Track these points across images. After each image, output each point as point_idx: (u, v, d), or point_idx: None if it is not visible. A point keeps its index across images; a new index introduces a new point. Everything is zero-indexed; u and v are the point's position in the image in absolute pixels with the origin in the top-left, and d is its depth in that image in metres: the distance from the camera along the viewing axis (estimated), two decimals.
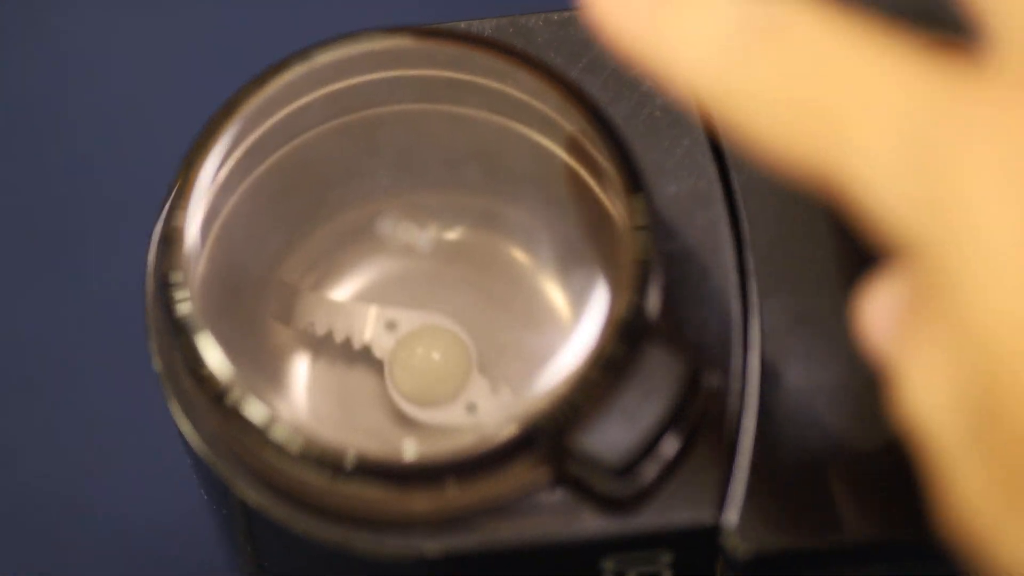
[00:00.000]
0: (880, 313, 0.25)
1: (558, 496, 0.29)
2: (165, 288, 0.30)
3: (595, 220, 0.32)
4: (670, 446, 0.29)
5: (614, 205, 0.31)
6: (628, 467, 0.29)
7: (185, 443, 0.31)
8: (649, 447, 0.28)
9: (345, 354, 0.33)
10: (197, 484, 0.33)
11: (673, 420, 0.29)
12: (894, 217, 0.23)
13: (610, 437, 0.29)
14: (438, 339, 0.33)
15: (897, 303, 0.24)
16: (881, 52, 0.24)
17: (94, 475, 0.46)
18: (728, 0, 0.25)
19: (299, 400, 0.33)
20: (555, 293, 0.33)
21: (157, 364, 0.31)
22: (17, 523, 0.46)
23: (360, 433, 0.32)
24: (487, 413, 0.32)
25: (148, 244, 0.32)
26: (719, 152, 0.32)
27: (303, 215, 0.33)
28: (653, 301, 0.30)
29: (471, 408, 0.32)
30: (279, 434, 0.29)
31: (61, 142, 0.49)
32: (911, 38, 0.24)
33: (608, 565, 0.30)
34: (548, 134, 0.32)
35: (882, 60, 0.24)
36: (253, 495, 0.30)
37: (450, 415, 0.32)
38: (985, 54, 0.24)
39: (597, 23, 0.26)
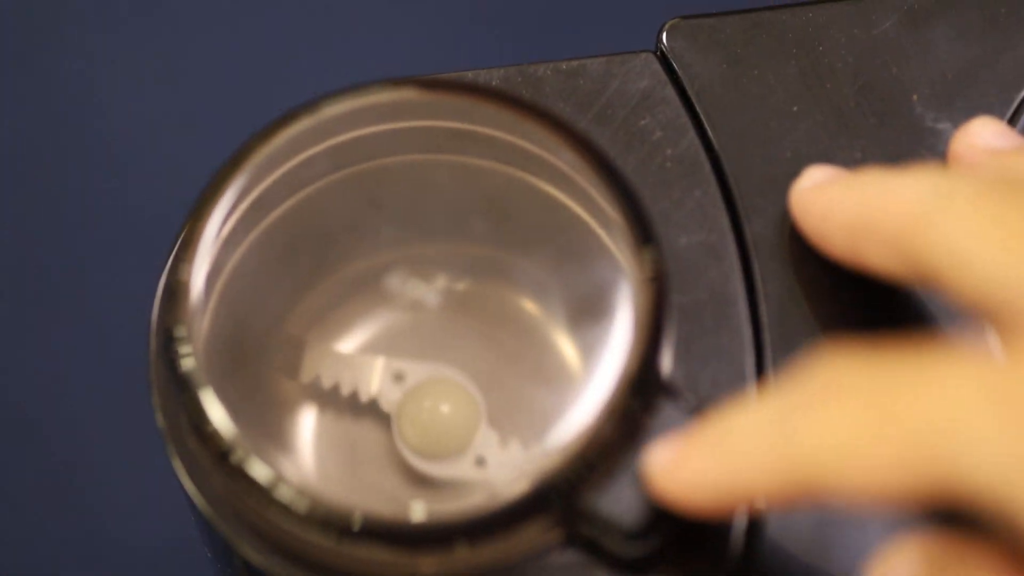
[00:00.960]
0: None
1: (569, 557, 0.29)
2: (169, 343, 0.30)
3: (606, 272, 0.31)
4: None
5: (625, 257, 0.31)
6: (643, 530, 0.28)
7: (189, 501, 0.30)
8: (664, 510, 0.28)
9: (352, 408, 0.33)
10: (200, 542, 0.33)
11: None
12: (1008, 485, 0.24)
13: (624, 498, 0.28)
14: (446, 391, 0.32)
15: (915, 569, 0.26)
16: (928, 368, 0.25)
17: (100, 529, 0.46)
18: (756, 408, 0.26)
19: (305, 456, 0.32)
20: (566, 346, 0.33)
21: (160, 420, 0.30)
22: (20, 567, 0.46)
23: (367, 489, 0.32)
24: (497, 468, 0.32)
25: (152, 297, 0.32)
26: (731, 203, 0.31)
27: (309, 268, 0.33)
28: (666, 355, 0.29)
29: (480, 462, 0.32)
30: (284, 495, 0.28)
31: (66, 193, 0.49)
32: (932, 345, 0.26)
33: None
34: (557, 185, 0.32)
35: (937, 373, 0.25)
36: (257, 555, 0.29)
37: (459, 469, 0.32)
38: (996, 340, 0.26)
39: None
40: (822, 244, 0.30)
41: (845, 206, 0.29)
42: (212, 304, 0.31)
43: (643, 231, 0.30)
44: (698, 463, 0.27)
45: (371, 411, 0.33)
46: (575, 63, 0.32)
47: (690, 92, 0.32)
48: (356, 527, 0.28)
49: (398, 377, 0.32)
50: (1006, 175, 0.27)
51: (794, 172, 0.31)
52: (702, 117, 0.32)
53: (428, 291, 0.33)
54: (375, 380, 0.32)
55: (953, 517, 0.28)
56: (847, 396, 0.25)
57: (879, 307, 0.30)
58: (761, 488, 0.26)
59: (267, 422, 0.32)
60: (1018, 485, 0.24)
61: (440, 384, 0.32)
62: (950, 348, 0.25)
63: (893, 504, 0.25)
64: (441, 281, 0.33)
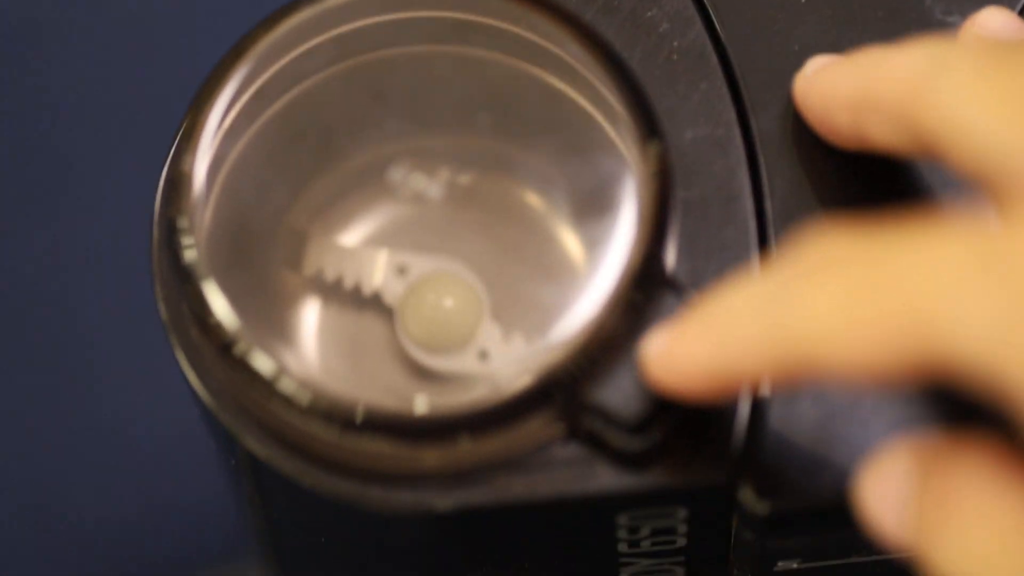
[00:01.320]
0: (888, 497, 0.25)
1: (572, 451, 0.29)
2: (171, 233, 0.30)
3: (610, 166, 0.31)
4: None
5: (629, 151, 0.30)
6: (644, 423, 0.28)
7: (192, 393, 0.30)
8: (666, 402, 0.28)
9: (355, 302, 0.32)
10: (206, 433, 0.33)
11: None
12: (994, 358, 0.24)
13: (626, 392, 0.28)
14: (449, 285, 0.32)
15: (907, 482, 0.25)
16: (918, 238, 0.25)
17: (103, 416, 0.46)
18: (748, 284, 0.26)
19: (308, 350, 0.32)
20: (569, 240, 0.32)
21: (163, 312, 0.30)
22: (23, 465, 0.46)
23: (370, 382, 0.32)
24: (499, 361, 0.32)
25: (155, 187, 0.31)
26: (738, 97, 0.31)
27: (311, 160, 0.33)
28: (670, 249, 0.29)
29: (483, 356, 0.32)
30: (287, 387, 0.28)
31: (67, 85, 0.48)
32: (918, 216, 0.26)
33: (622, 520, 0.29)
34: (562, 77, 0.31)
35: (927, 243, 0.25)
36: (260, 447, 0.29)
37: (461, 363, 0.32)
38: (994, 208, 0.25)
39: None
40: (826, 126, 0.30)
41: (847, 83, 0.29)
42: (214, 196, 0.31)
43: (648, 124, 0.30)
44: (691, 346, 0.27)
45: (374, 304, 0.32)
46: None
47: None
48: (358, 419, 0.28)
49: (401, 270, 0.32)
50: (1007, 47, 0.27)
51: (802, 66, 0.31)
52: (709, 9, 0.32)
53: (431, 184, 0.33)
54: (378, 273, 0.32)
55: (956, 416, 0.28)
56: (836, 270, 0.25)
57: (887, 201, 0.30)
58: (754, 366, 0.26)
59: (270, 315, 0.32)
60: (1006, 349, 0.24)
61: (443, 277, 0.32)
62: (942, 219, 0.25)
63: (886, 380, 0.25)
64: (444, 174, 0.33)
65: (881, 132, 0.28)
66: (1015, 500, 0.24)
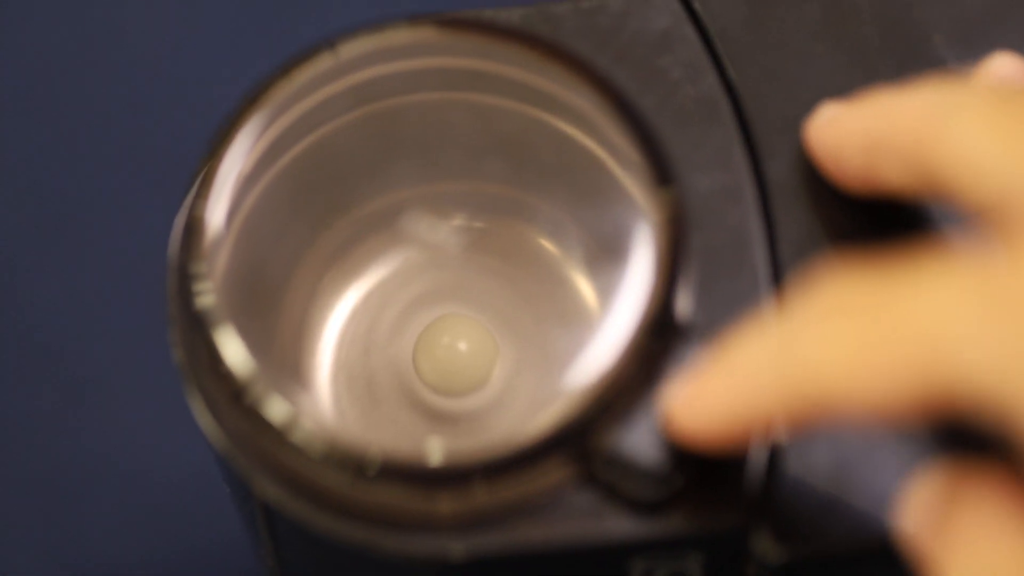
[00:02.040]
0: (920, 507, 0.26)
1: (587, 497, 0.29)
2: (186, 279, 0.30)
3: (624, 213, 0.31)
4: None
5: (643, 198, 0.30)
6: (659, 471, 0.28)
7: (206, 437, 0.30)
8: (683, 452, 0.28)
9: (368, 344, 0.33)
10: (221, 478, 0.33)
11: None
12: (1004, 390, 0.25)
13: (643, 441, 0.28)
14: (463, 328, 0.32)
15: (935, 497, 0.26)
16: (924, 276, 0.25)
17: (121, 451, 0.46)
18: (757, 339, 0.27)
19: (322, 393, 0.32)
20: (583, 286, 0.33)
21: (178, 355, 0.30)
22: (39, 496, 0.46)
23: (384, 426, 0.32)
24: (514, 406, 0.32)
25: (171, 233, 0.32)
26: (751, 145, 0.31)
27: (326, 207, 0.33)
28: (685, 297, 0.29)
29: (497, 400, 0.32)
30: (300, 435, 0.28)
31: (85, 132, 0.49)
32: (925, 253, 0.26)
33: (637, 565, 0.29)
34: (576, 124, 0.32)
35: (932, 279, 0.25)
36: (274, 493, 0.29)
37: (475, 407, 0.32)
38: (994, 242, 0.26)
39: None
40: (838, 170, 0.30)
41: (858, 125, 0.30)
42: (230, 241, 0.31)
43: (661, 172, 0.30)
44: (712, 394, 0.27)
45: (388, 349, 0.33)
46: (595, 1, 0.32)
47: (710, 31, 0.32)
48: (372, 468, 0.28)
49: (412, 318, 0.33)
50: (1016, 89, 0.28)
51: (813, 112, 0.31)
52: (722, 57, 0.32)
53: (445, 230, 0.33)
54: (389, 320, 0.32)
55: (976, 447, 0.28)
56: (848, 312, 0.26)
57: (897, 248, 0.30)
58: (772, 410, 0.26)
59: (284, 360, 0.32)
60: (1010, 380, 0.24)
61: (457, 320, 0.32)
62: (947, 256, 0.26)
63: (900, 417, 0.25)
64: (458, 220, 0.33)
65: (892, 173, 0.29)
66: (1013, 528, 0.25)
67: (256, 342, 0.30)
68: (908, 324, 0.25)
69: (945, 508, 0.26)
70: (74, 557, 0.45)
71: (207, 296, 0.30)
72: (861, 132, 0.29)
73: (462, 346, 0.32)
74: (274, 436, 0.29)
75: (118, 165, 0.48)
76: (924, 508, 0.26)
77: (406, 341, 0.33)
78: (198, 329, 0.29)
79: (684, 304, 0.29)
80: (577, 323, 0.32)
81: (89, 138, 0.48)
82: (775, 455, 0.29)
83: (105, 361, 0.47)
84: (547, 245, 0.33)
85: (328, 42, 0.31)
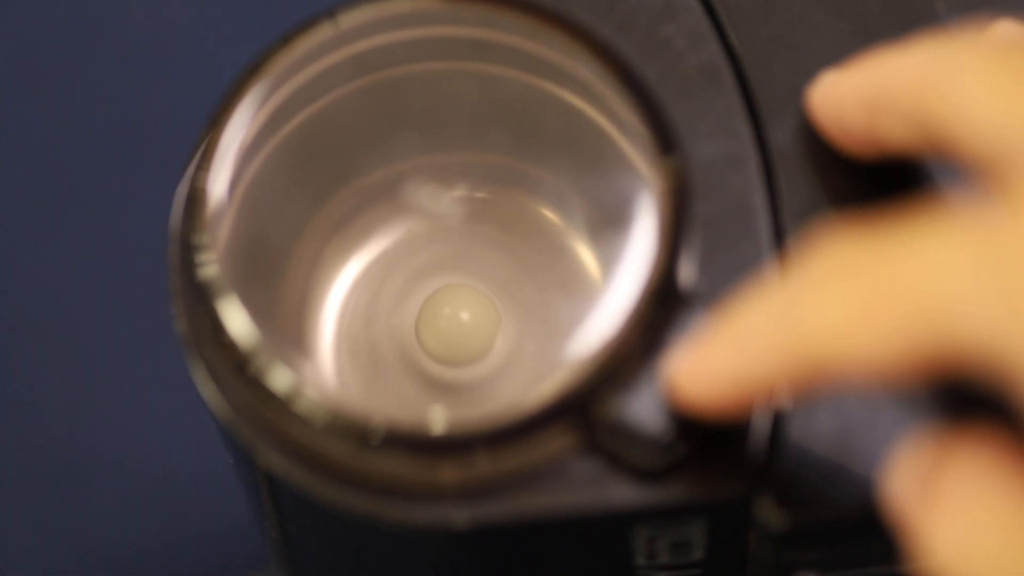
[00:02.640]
0: (906, 473, 0.26)
1: (590, 466, 0.29)
2: (189, 251, 0.30)
3: (627, 182, 0.31)
4: None
5: (646, 167, 0.30)
6: (663, 439, 0.28)
7: (210, 408, 0.30)
8: (687, 418, 0.28)
9: (370, 314, 0.33)
10: (224, 447, 0.33)
11: None
12: (1001, 349, 0.25)
13: (646, 409, 0.28)
14: (465, 298, 0.32)
15: (921, 469, 0.26)
16: (923, 234, 0.25)
17: (124, 430, 0.46)
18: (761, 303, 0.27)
19: (325, 363, 0.32)
20: (586, 255, 0.32)
21: (181, 327, 0.30)
22: (42, 477, 0.46)
23: (387, 395, 0.32)
24: (517, 376, 0.32)
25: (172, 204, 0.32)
26: (754, 113, 0.31)
27: (328, 177, 0.33)
28: (688, 265, 0.29)
29: (499, 370, 0.32)
30: (303, 405, 0.29)
31: (87, 104, 0.48)
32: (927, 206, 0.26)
33: (640, 533, 0.29)
34: (578, 94, 0.31)
35: (931, 237, 0.25)
36: (278, 463, 0.29)
37: (478, 377, 0.32)
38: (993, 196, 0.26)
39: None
40: (840, 131, 0.30)
41: (859, 84, 0.30)
42: (232, 212, 0.31)
43: (665, 141, 0.30)
44: (715, 360, 0.27)
45: (390, 319, 0.33)
46: None
47: (713, 0, 0.32)
48: (376, 437, 0.28)
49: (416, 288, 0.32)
50: (1016, 44, 0.27)
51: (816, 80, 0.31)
52: (725, 25, 0.32)
53: (447, 200, 0.33)
54: (391, 291, 0.32)
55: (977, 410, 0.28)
56: (848, 273, 0.26)
57: (901, 212, 0.30)
58: (776, 374, 0.26)
59: (287, 330, 0.32)
60: (1010, 334, 0.24)
61: (459, 291, 0.32)
62: (946, 212, 0.26)
63: (902, 376, 0.25)
64: (461, 190, 0.33)
65: (895, 131, 0.29)
66: (1007, 487, 0.25)
67: (259, 313, 0.30)
68: (906, 282, 0.25)
69: (931, 472, 0.26)
70: (76, 543, 0.45)
71: (210, 267, 0.29)
72: (863, 91, 0.29)
73: (464, 316, 0.32)
74: (278, 406, 0.29)
75: (118, 139, 0.48)
76: (910, 474, 0.26)
77: (409, 311, 0.33)
78: (201, 300, 0.29)
79: (687, 272, 0.29)
80: (580, 293, 0.32)
81: (89, 113, 0.48)
82: (778, 422, 0.29)
83: (109, 333, 0.47)
84: (550, 215, 0.33)
85: (328, 12, 0.31)
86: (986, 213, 0.25)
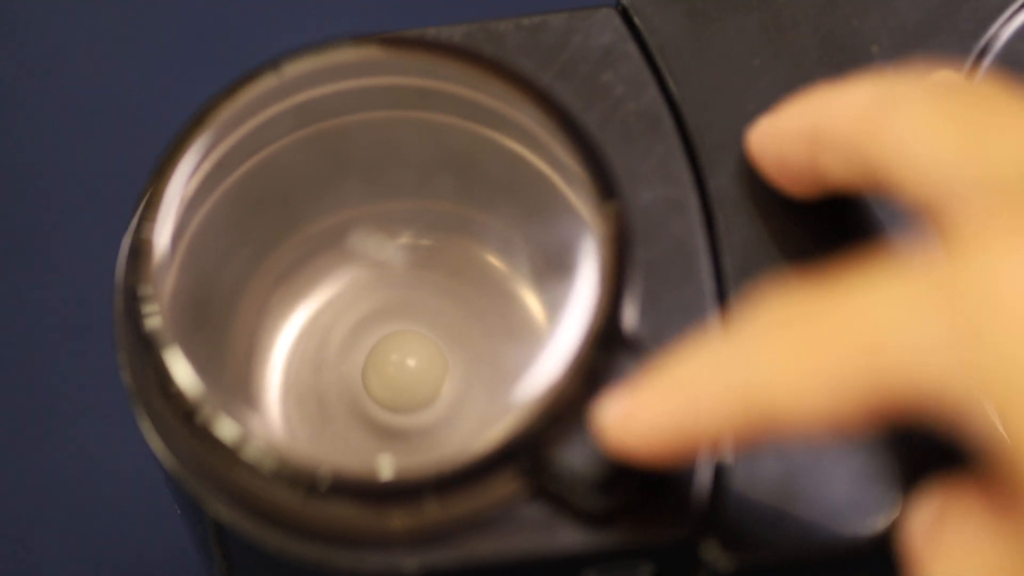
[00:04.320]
0: (916, 525, 0.26)
1: (537, 510, 0.29)
2: (133, 302, 0.30)
3: (570, 228, 0.31)
4: None
5: (588, 212, 0.31)
6: (608, 482, 0.28)
7: (157, 459, 0.30)
8: (631, 465, 0.28)
9: (318, 362, 0.33)
10: (171, 498, 0.33)
11: None
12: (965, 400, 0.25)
13: (589, 452, 0.28)
14: (412, 344, 0.32)
15: (929, 516, 0.26)
16: (865, 282, 0.25)
17: (68, 484, 0.46)
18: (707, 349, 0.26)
19: (273, 414, 0.32)
20: (531, 301, 0.33)
21: (127, 379, 0.30)
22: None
23: (336, 444, 0.32)
24: (463, 422, 0.32)
25: (117, 255, 0.32)
26: (694, 158, 0.32)
27: (273, 226, 0.33)
28: (630, 309, 0.30)
29: (447, 416, 0.32)
30: (251, 453, 0.29)
31: (29, 155, 0.48)
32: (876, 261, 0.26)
33: None
34: (521, 141, 0.32)
35: (873, 285, 0.25)
36: (226, 513, 0.29)
37: (426, 423, 0.32)
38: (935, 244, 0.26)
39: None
40: (782, 172, 0.30)
41: (799, 120, 0.29)
42: (177, 263, 0.31)
43: (606, 186, 0.30)
44: (651, 409, 0.27)
45: (337, 366, 0.33)
46: (537, 19, 0.32)
47: (652, 47, 0.32)
48: (324, 485, 0.28)
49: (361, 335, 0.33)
50: (953, 84, 0.28)
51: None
52: (664, 72, 0.32)
53: (393, 248, 0.33)
54: (338, 338, 0.32)
55: (917, 466, 0.28)
56: (792, 322, 0.25)
57: (843, 253, 0.30)
58: (716, 426, 0.26)
59: (234, 380, 0.32)
60: (953, 373, 0.24)
61: (406, 337, 0.32)
62: (887, 258, 0.26)
63: (848, 424, 0.25)
64: (406, 238, 0.33)
65: (835, 168, 0.28)
66: (987, 535, 0.25)
67: (205, 363, 0.30)
68: (847, 329, 0.25)
69: (937, 520, 0.26)
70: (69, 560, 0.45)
71: (155, 318, 0.30)
72: (802, 126, 0.29)
73: (411, 362, 0.32)
74: (225, 455, 0.29)
75: (62, 190, 0.48)
76: (920, 521, 0.26)
77: (356, 359, 0.33)
78: (146, 351, 0.29)
79: (630, 316, 0.30)
80: (525, 337, 0.32)
81: (32, 163, 0.48)
82: (722, 466, 0.29)
83: (54, 384, 0.46)
84: (495, 261, 0.33)
85: (272, 62, 0.31)
86: (929, 256, 0.25)
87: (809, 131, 0.29)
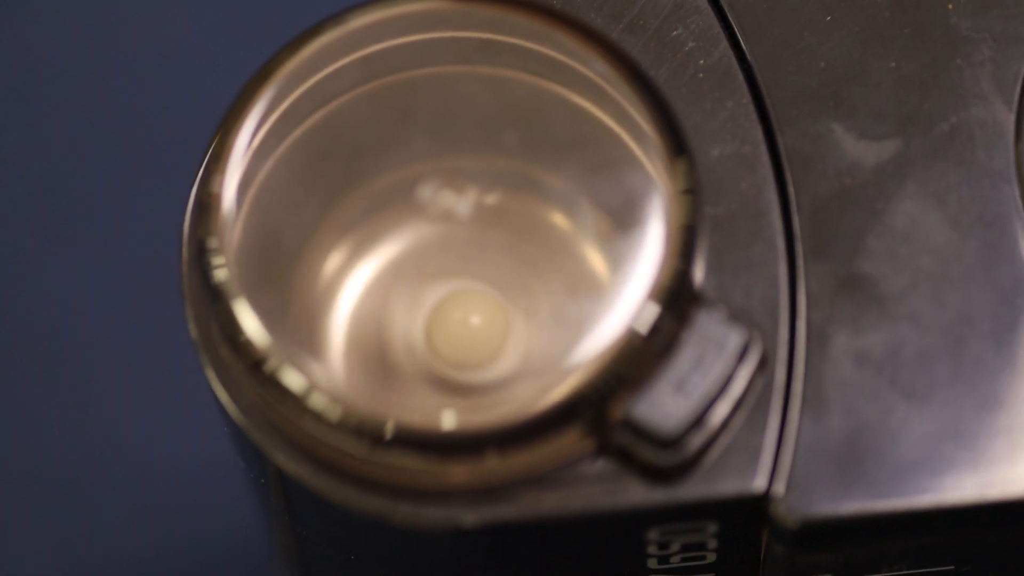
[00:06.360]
0: None
1: (601, 466, 0.29)
2: (201, 254, 0.30)
3: (637, 184, 0.31)
4: (718, 414, 0.28)
5: (657, 169, 0.30)
6: (679, 438, 0.28)
7: (222, 411, 0.31)
8: (700, 417, 0.28)
9: (381, 318, 0.33)
10: (234, 452, 0.33)
11: (723, 389, 0.28)
12: None
13: (660, 407, 0.28)
14: (476, 302, 0.32)
15: None
16: None
17: (130, 439, 0.46)
18: None
19: (336, 368, 0.32)
20: (595, 259, 0.33)
21: (193, 331, 0.31)
22: (48, 487, 0.46)
23: (398, 399, 0.32)
24: (527, 379, 0.32)
25: (184, 209, 0.32)
26: (764, 114, 0.31)
27: (338, 181, 0.33)
28: (698, 266, 0.29)
29: (511, 374, 0.32)
30: (317, 403, 0.29)
31: (97, 110, 0.49)
32: None
33: (652, 536, 0.29)
34: (588, 96, 0.32)
35: None
36: (290, 464, 0.29)
37: (489, 380, 0.32)
38: None
39: None
40: None
41: None
42: (243, 216, 0.31)
43: (675, 142, 0.30)
44: None
45: (401, 323, 0.33)
46: None
47: (723, 1, 0.32)
48: (388, 435, 0.28)
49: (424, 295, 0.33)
50: None
51: (827, 83, 0.31)
52: (735, 27, 0.32)
53: (459, 203, 0.33)
54: (402, 295, 0.32)
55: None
56: None
57: (910, 215, 0.30)
58: None
59: (299, 333, 0.32)
60: None
61: (470, 295, 0.32)
62: None
63: None
64: (471, 193, 0.33)
65: None
66: None
67: (270, 315, 0.30)
68: None
69: None
70: (77, 557, 0.45)
71: (222, 270, 0.30)
72: None
73: (475, 320, 0.32)
74: (291, 405, 0.29)
75: (125, 152, 0.48)
76: None
77: (419, 315, 0.33)
78: (214, 303, 0.30)
79: (698, 272, 0.29)
80: (590, 295, 0.32)
81: (100, 121, 0.49)
82: (791, 420, 0.29)
83: (119, 343, 0.47)
84: (559, 219, 0.33)
85: (337, 16, 0.31)
86: None
87: None
